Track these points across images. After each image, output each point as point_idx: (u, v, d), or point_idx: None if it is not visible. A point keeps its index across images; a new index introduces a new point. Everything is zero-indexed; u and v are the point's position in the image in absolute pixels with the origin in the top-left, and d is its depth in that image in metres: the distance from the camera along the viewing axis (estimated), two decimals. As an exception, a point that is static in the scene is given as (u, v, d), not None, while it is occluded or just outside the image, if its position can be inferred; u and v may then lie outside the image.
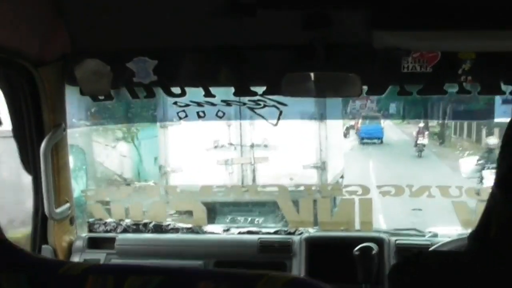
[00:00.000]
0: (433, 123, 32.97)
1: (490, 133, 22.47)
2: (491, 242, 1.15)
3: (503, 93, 2.77)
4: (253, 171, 10.06)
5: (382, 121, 29.10)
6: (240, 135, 10.27)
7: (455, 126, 30.20)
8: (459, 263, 1.19)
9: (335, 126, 11.07)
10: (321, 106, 9.79)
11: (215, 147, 10.09)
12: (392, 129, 34.46)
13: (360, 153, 23.88)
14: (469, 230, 3.04)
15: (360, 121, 28.47)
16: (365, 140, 27.49)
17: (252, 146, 10.23)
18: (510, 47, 2.57)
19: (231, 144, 10.22)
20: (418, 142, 23.75)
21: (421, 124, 24.55)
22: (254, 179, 9.83)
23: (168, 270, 1.06)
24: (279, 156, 9.69)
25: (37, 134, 2.82)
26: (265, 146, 10.13)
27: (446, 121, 29.22)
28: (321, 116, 9.93)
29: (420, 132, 24.14)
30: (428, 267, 1.19)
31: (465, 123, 27.91)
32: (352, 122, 29.98)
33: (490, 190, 1.18)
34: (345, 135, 25.21)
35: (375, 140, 27.67)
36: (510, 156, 1.13)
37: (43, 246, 2.95)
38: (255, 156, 10.14)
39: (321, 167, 10.14)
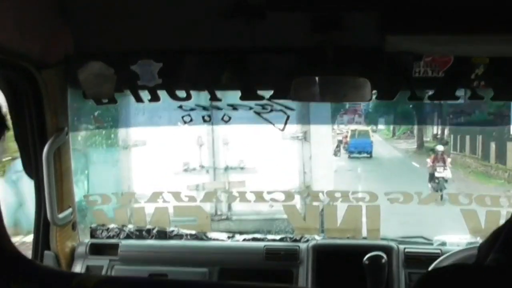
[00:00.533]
0: (427, 137, 32.00)
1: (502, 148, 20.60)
2: None
3: None
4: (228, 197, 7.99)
5: (371, 135, 28.60)
6: (213, 156, 9.05)
7: (454, 140, 27.93)
8: (489, 279, 1.13)
9: (322, 143, 9.48)
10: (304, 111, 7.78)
11: (185, 170, 8.86)
12: (383, 146, 32.50)
13: (352, 175, 20.24)
14: (478, 239, 3.01)
15: (348, 135, 28.09)
16: (355, 155, 26.79)
17: (226, 168, 9.03)
18: None
19: (202, 166, 9.00)
20: (437, 174, 16.12)
21: (440, 148, 17.43)
22: (229, 207, 8.54)
23: (178, 283, 1.06)
24: (257, 179, 7.73)
25: (40, 138, 2.77)
26: (242, 168, 8.94)
27: (444, 135, 28.17)
28: (304, 120, 8.31)
29: (437, 159, 16.55)
30: (462, 283, 1.13)
31: (467, 136, 25.77)
32: (340, 137, 29.22)
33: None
34: (336, 153, 23.90)
35: (365, 154, 27.00)
36: None
37: (46, 252, 2.89)
38: (230, 180, 8.72)
39: (303, 193, 8.16)
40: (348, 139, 28.11)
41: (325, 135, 9.99)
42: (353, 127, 27.80)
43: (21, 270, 1.02)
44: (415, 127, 33.20)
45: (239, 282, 1.11)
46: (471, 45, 2.48)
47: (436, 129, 31.84)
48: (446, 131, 28.05)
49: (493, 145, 22.96)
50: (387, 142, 34.79)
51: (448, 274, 1.17)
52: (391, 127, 36.34)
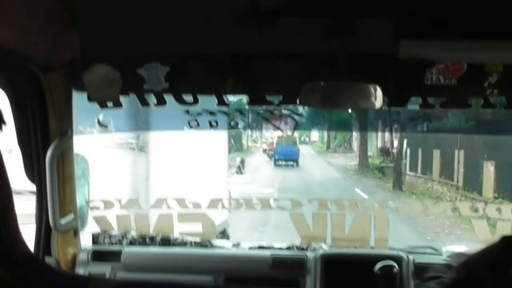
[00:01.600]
0: (371, 152, 27.24)
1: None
2: None
3: None
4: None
5: (298, 145, 27.87)
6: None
7: (412, 155, 21.63)
8: None
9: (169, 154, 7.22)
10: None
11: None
12: (315, 161, 29.72)
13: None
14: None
15: (274, 142, 27.73)
16: (280, 162, 26.72)
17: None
18: None
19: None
20: None
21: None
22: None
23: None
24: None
25: (43, 142, 2.71)
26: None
27: (395, 150, 21.34)
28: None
29: None
30: None
31: (435, 151, 19.12)
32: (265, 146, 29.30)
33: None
34: (239, 169, 22.18)
35: (290, 162, 26.79)
36: None
37: (46, 258, 2.83)
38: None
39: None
40: (273, 146, 28.30)
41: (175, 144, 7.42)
42: (279, 134, 26.36)
43: (38, 274, 1.01)
44: (354, 139, 29.99)
45: None
46: (484, 52, 2.44)
47: (383, 140, 26.48)
48: (399, 143, 21.37)
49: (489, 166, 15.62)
50: (320, 156, 31.84)
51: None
52: (325, 138, 33.57)
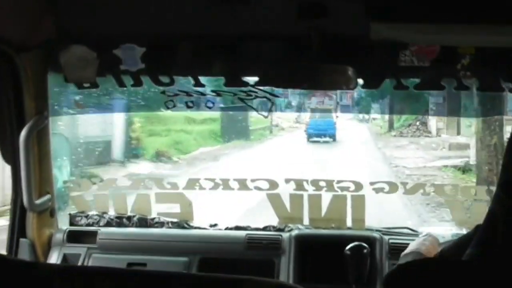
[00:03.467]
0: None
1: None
2: (499, 247, 1.11)
3: (503, 90, 2.70)
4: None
5: (335, 117, 22.03)
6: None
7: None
8: (468, 271, 1.12)
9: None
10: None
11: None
12: (366, 151, 18.74)
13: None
14: (463, 230, 3.00)
15: (308, 115, 22.33)
16: (314, 138, 21.13)
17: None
18: (510, 43, 2.50)
19: None
20: None
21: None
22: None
23: (146, 273, 1.01)
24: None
25: (18, 122, 2.72)
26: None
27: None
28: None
29: None
30: (435, 276, 1.11)
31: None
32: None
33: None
34: None
35: (327, 138, 21.27)
36: None
37: (21, 240, 2.84)
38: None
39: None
40: (308, 119, 22.31)
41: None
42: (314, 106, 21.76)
43: None
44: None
45: (216, 275, 1.09)
46: (457, 35, 2.46)
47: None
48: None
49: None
50: (376, 144, 21.19)
51: (417, 269, 1.17)
52: (387, 116, 25.01)
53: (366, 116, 26.81)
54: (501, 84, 2.67)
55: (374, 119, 26.69)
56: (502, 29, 2.36)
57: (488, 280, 1.08)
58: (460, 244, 1.90)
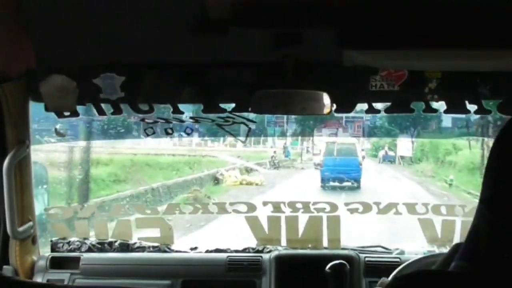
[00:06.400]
0: None
1: None
2: (481, 261, 1.14)
3: (468, 111, 2.82)
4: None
5: (361, 155, 16.16)
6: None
7: None
8: (455, 284, 1.17)
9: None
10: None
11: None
12: None
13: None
14: (435, 247, 3.09)
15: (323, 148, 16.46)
16: (331, 183, 15.37)
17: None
18: (474, 67, 2.63)
19: None
20: None
21: None
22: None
23: None
24: None
25: (0, 152, 2.75)
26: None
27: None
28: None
29: None
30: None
31: None
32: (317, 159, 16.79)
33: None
34: None
35: (349, 182, 15.11)
36: (497, 174, 1.13)
37: (4, 267, 2.85)
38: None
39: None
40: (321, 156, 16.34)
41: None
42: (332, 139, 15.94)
43: None
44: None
45: None
46: (424, 60, 2.58)
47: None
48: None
49: None
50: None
51: (414, 280, 1.19)
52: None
53: (389, 152, 17.92)
54: (466, 107, 2.79)
55: (402, 157, 17.65)
56: (466, 54, 2.48)
57: None
58: (444, 263, 1.92)
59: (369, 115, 3.04)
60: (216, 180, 13.96)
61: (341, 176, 15.23)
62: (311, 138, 17.00)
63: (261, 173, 15.24)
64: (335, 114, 2.93)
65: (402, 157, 17.44)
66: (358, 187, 14.96)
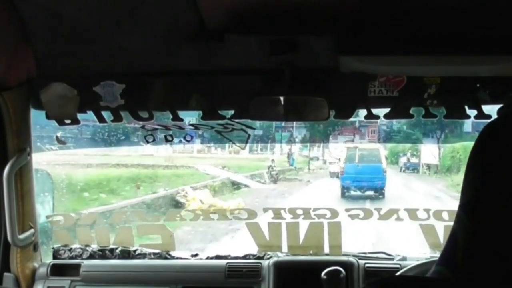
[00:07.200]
0: None
1: None
2: (458, 268, 1.13)
3: (468, 117, 2.81)
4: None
5: (383, 156, 14.81)
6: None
7: None
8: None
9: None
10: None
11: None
12: None
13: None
14: (437, 253, 3.08)
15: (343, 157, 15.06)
16: (352, 192, 14.21)
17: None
18: (473, 72, 2.63)
19: None
20: None
21: None
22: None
23: None
24: None
25: (0, 159, 2.77)
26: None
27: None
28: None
29: None
30: None
31: None
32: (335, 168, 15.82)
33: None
34: None
35: (372, 192, 14.08)
36: (476, 179, 1.12)
37: (5, 274, 2.87)
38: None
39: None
40: (342, 164, 14.89)
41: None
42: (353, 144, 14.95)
43: None
44: None
45: None
46: (423, 65, 2.57)
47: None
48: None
49: None
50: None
51: (386, 286, 1.20)
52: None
53: (411, 159, 16.27)
54: (466, 112, 2.78)
55: (427, 165, 15.57)
56: (465, 59, 2.48)
57: None
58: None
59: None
60: (178, 204, 10.85)
61: (364, 184, 14.17)
62: (321, 144, 16.09)
63: (250, 190, 13.58)
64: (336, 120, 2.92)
65: (427, 165, 15.88)
66: (383, 196, 13.69)
